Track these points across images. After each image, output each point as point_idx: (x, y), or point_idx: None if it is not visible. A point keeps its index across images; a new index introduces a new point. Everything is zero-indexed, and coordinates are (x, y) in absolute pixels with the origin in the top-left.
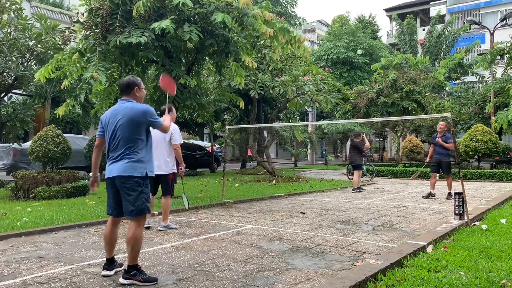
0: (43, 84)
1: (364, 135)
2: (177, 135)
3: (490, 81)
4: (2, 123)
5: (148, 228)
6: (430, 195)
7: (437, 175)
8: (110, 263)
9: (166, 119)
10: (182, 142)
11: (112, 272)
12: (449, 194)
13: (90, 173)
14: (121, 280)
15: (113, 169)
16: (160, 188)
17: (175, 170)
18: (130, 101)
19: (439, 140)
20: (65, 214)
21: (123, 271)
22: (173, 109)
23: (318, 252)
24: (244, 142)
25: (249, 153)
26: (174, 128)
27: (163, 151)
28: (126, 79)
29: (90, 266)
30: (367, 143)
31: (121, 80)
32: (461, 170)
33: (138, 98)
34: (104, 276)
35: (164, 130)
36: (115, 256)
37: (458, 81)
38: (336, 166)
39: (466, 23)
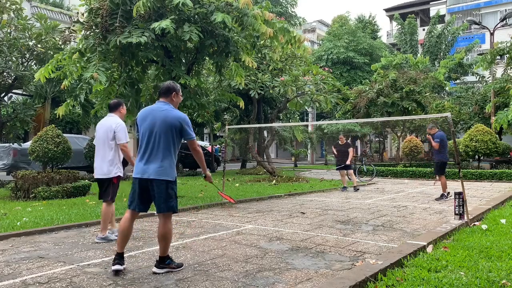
0: (43, 84)
1: (345, 139)
2: (122, 133)
3: (490, 81)
4: (2, 123)
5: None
6: (443, 196)
7: (443, 177)
8: (121, 258)
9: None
10: (128, 140)
11: (122, 267)
12: (442, 195)
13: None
14: (156, 270)
15: (147, 170)
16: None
17: (121, 174)
18: (168, 104)
19: (429, 137)
20: (65, 214)
21: (156, 261)
22: (123, 104)
23: (318, 252)
24: (244, 142)
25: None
26: (119, 125)
27: (105, 152)
28: (166, 83)
29: (90, 266)
30: (350, 154)
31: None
32: (461, 170)
33: (175, 103)
34: (116, 271)
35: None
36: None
37: (458, 81)
38: (336, 166)
39: (466, 23)
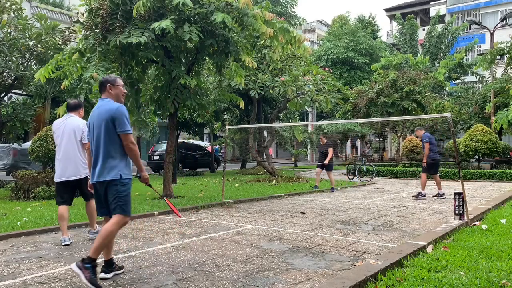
0: (43, 84)
1: (325, 140)
2: (86, 134)
3: (490, 81)
4: (2, 123)
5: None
6: (438, 195)
7: (437, 175)
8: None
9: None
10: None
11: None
12: (420, 193)
13: None
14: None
15: (93, 173)
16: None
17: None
18: (105, 99)
19: (426, 146)
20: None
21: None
22: (83, 107)
23: (318, 252)
24: (244, 142)
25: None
26: (85, 125)
27: (77, 152)
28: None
29: None
30: (329, 154)
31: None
32: (461, 170)
33: (113, 96)
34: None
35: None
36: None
37: (458, 81)
38: (336, 166)
39: (466, 23)
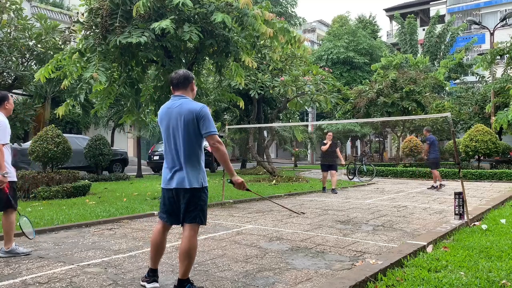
0: (43, 84)
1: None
2: (1, 132)
3: (490, 81)
4: None
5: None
6: (433, 187)
7: (435, 170)
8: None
9: None
10: (8, 142)
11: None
12: (440, 185)
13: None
14: None
15: (171, 179)
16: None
17: (12, 178)
18: (183, 97)
19: (426, 148)
20: (65, 214)
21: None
22: (9, 97)
23: (318, 252)
24: (244, 142)
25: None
26: (0, 122)
27: None
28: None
29: (90, 266)
30: (339, 155)
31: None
32: (461, 170)
33: (192, 95)
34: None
35: None
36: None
37: (458, 81)
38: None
39: (465, 23)
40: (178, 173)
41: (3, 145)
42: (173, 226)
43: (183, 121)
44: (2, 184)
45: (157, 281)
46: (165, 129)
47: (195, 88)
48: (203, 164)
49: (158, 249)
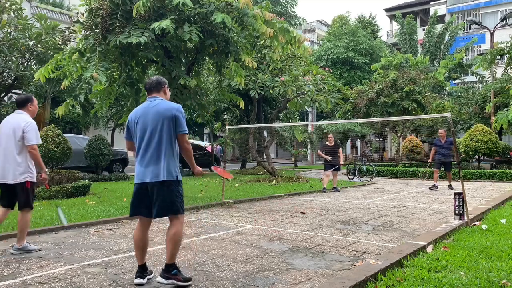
0: (43, 84)
1: (332, 139)
2: (32, 134)
3: (490, 81)
4: None
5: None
6: (434, 187)
7: (438, 170)
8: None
9: None
10: (41, 142)
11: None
12: (450, 186)
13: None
14: (160, 280)
15: (146, 174)
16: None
17: (30, 178)
18: (159, 98)
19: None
20: (65, 214)
21: (162, 270)
22: (34, 99)
23: (318, 252)
24: (244, 142)
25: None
26: (29, 124)
27: (11, 153)
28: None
29: (90, 266)
30: (341, 156)
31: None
32: (461, 170)
33: (166, 98)
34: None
35: None
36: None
37: (458, 81)
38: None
39: (464, 22)
40: (154, 167)
41: (36, 145)
42: (162, 229)
43: (162, 118)
44: (46, 181)
45: (142, 277)
46: (141, 127)
47: (168, 92)
48: (177, 159)
49: (140, 246)
